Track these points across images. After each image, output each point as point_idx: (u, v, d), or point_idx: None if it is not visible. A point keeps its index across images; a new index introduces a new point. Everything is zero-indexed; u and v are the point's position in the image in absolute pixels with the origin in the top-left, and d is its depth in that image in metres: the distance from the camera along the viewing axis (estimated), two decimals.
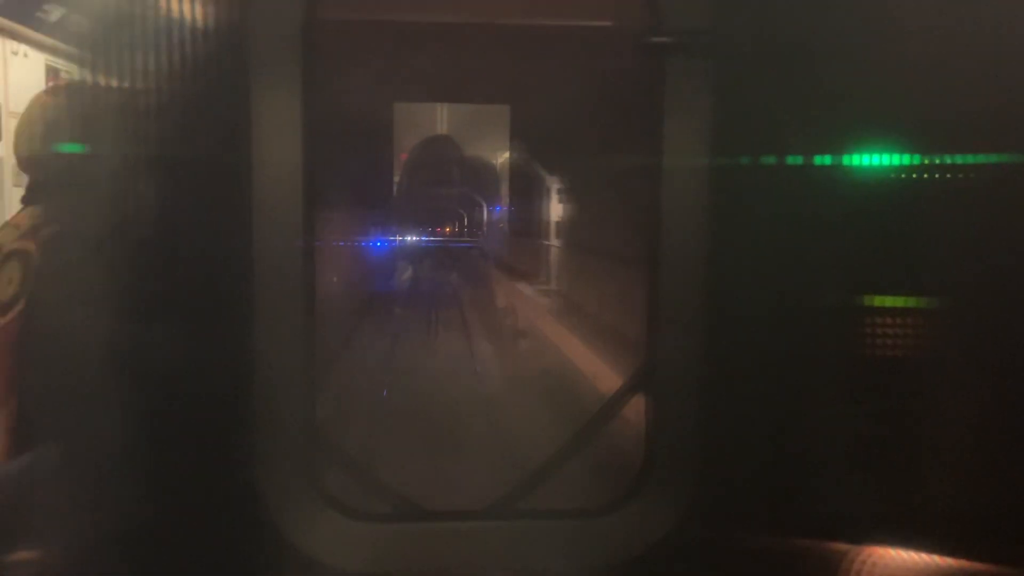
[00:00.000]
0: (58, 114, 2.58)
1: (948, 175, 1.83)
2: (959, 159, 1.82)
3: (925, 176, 1.86)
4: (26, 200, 2.55)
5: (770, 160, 1.88)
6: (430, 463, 2.68)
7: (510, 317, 4.84)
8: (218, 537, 1.74)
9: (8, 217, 2.55)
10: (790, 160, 1.86)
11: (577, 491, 2.07)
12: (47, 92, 2.74)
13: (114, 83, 1.67)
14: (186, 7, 1.72)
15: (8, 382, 2.27)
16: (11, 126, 8.95)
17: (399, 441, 3.01)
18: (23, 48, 9.30)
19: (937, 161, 1.83)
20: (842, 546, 1.84)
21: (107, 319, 1.62)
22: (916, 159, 1.84)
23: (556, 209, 5.42)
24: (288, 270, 1.79)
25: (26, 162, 2.61)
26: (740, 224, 1.87)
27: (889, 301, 1.88)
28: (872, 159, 1.83)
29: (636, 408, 2.08)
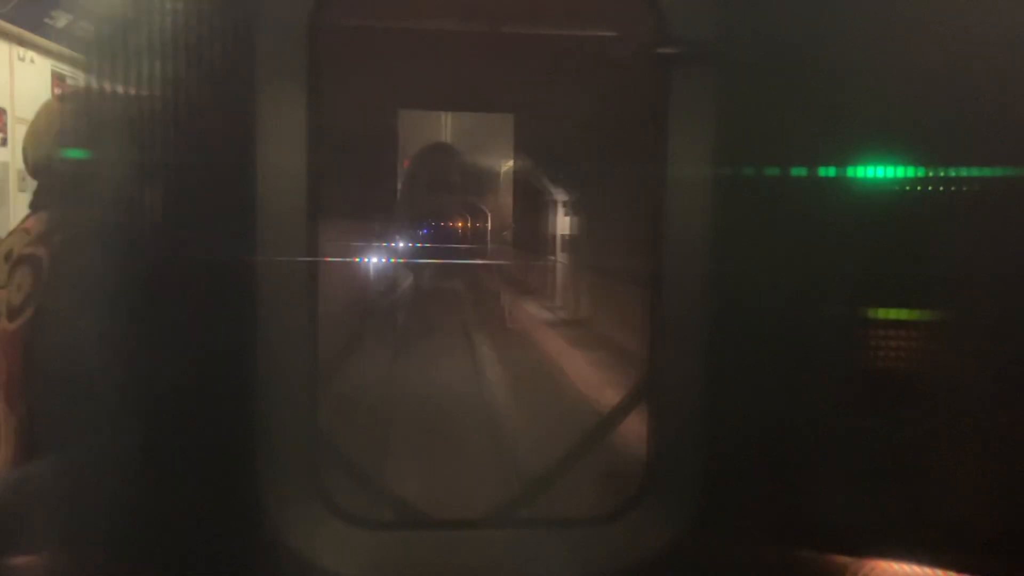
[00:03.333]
0: (67, 120, 2.57)
1: (953, 188, 1.83)
2: (964, 172, 1.82)
3: (930, 189, 1.86)
4: (35, 205, 2.54)
5: (774, 172, 1.88)
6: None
7: None
8: (220, 543, 1.74)
9: (16, 222, 2.53)
10: (794, 172, 1.87)
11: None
12: (57, 98, 2.73)
13: (123, 89, 1.68)
14: (191, 11, 1.73)
15: (19, 387, 2.26)
16: (17, 131, 8.99)
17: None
18: (30, 54, 9.33)
19: (942, 174, 1.84)
20: (843, 558, 1.83)
21: (115, 325, 1.62)
22: (921, 171, 1.84)
23: (561, 222, 5.36)
24: (292, 274, 1.79)
25: (36, 168, 2.60)
26: (744, 235, 1.87)
27: (893, 313, 1.88)
28: (877, 171, 1.83)
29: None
